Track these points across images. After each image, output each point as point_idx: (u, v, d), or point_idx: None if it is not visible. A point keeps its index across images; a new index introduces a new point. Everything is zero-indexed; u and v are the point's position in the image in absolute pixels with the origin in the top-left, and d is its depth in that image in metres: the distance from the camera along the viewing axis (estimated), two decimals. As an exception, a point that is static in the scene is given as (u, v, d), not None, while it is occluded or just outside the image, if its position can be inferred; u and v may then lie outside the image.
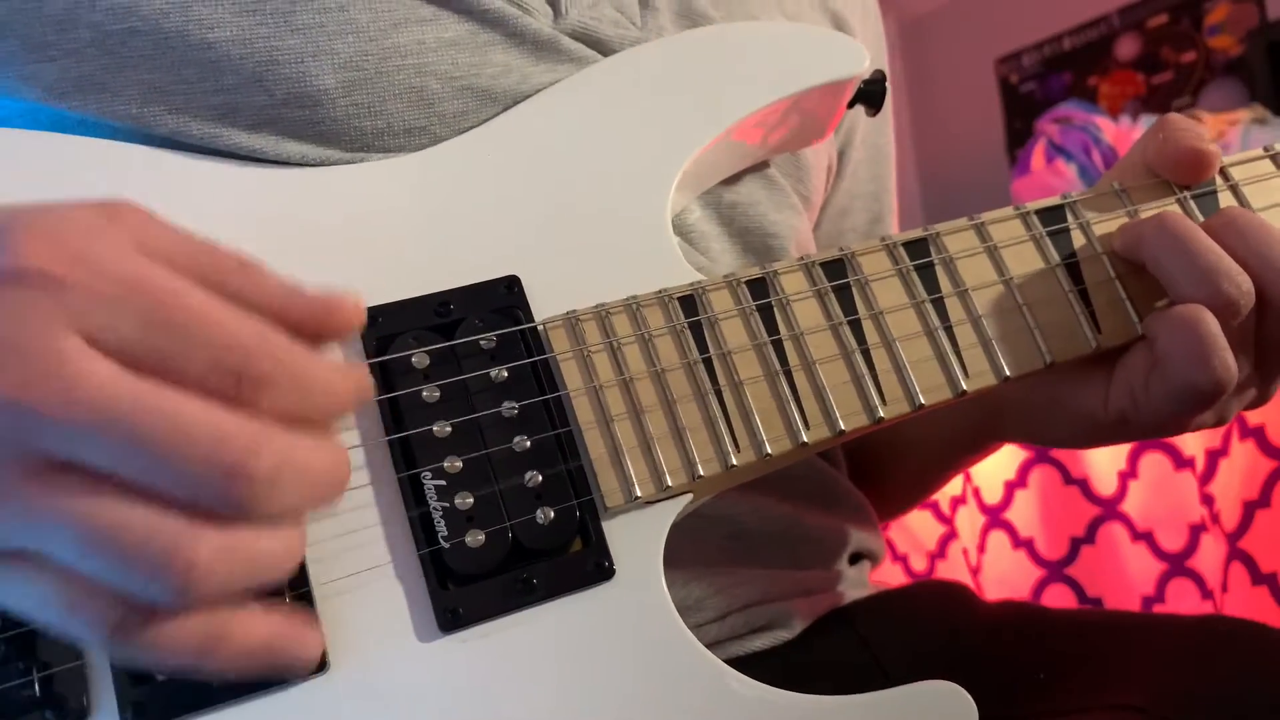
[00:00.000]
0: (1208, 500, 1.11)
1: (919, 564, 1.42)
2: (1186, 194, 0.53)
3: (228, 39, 0.46)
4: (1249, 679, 0.48)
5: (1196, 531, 1.15)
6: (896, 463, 0.73)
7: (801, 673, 0.45)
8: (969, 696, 0.43)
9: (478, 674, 0.41)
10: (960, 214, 0.52)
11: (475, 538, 0.42)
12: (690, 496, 0.45)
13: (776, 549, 0.58)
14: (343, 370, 0.34)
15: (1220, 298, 0.46)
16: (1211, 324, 0.46)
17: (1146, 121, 1.90)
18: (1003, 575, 1.30)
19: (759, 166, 0.60)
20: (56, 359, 0.29)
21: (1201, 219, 0.51)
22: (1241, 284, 0.46)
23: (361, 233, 0.47)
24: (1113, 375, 0.51)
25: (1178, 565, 1.16)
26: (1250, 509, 1.06)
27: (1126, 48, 2.98)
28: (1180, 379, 0.47)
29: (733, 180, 0.58)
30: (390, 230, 0.47)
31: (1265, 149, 0.55)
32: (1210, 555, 1.13)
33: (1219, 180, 0.53)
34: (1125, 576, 1.20)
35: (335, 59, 0.47)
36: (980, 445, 0.68)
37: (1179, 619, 0.58)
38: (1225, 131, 1.81)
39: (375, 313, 0.44)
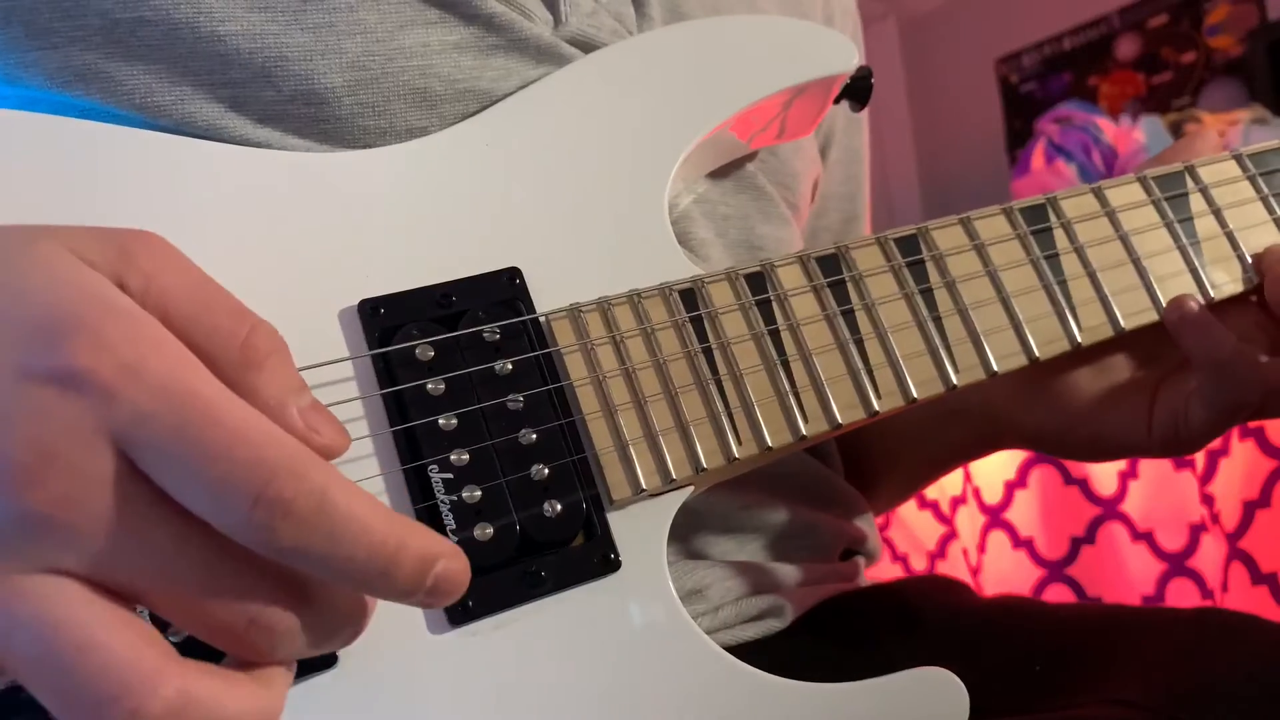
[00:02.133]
0: (1208, 500, 1.11)
1: (919, 564, 1.42)
2: (1160, 196, 0.55)
3: (237, 33, 0.46)
4: (1244, 671, 0.47)
5: (1196, 531, 1.15)
6: (891, 469, 0.75)
7: (792, 662, 0.45)
8: (961, 683, 0.43)
9: (488, 666, 0.41)
10: (961, 213, 0.53)
11: (483, 531, 0.42)
12: (692, 488, 0.45)
13: (771, 544, 0.58)
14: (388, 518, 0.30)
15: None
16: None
17: (1146, 121, 1.90)
18: (1003, 575, 1.30)
19: (750, 177, 0.60)
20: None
21: (1175, 219, 0.55)
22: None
23: (360, 221, 0.46)
24: (1154, 409, 0.56)
25: (1178, 565, 1.16)
26: (1250, 509, 1.06)
27: (1126, 48, 2.98)
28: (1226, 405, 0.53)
29: (725, 191, 0.59)
30: (389, 218, 0.47)
31: (1230, 151, 0.58)
32: (1210, 555, 1.13)
33: (1189, 182, 0.56)
34: (1125, 576, 1.20)
35: (343, 58, 0.47)
36: (981, 454, 0.71)
37: (1175, 612, 0.58)
38: (1225, 131, 1.81)
39: (378, 304, 0.44)
